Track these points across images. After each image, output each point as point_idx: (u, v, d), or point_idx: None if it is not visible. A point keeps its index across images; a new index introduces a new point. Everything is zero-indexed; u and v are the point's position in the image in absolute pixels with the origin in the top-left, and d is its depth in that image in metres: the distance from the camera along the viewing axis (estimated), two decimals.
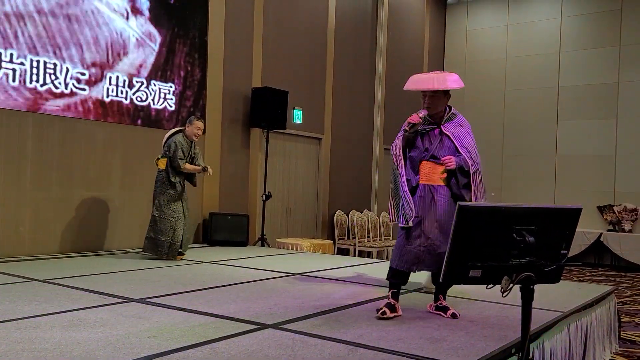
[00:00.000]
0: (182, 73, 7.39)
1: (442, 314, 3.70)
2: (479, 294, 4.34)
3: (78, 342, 2.82)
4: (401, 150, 3.76)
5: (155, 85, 7.07)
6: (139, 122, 6.87)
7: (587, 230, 10.39)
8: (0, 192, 5.70)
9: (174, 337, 2.95)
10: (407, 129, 3.70)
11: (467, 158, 3.70)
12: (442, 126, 3.76)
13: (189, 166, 5.97)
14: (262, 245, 7.82)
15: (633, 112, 10.71)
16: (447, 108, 3.79)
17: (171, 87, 7.26)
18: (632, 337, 5.11)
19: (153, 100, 7.05)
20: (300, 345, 2.90)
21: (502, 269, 2.13)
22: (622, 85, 10.84)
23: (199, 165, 6.06)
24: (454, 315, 3.64)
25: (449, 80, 3.68)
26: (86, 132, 6.39)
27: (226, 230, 7.45)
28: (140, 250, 6.07)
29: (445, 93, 3.71)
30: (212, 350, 2.76)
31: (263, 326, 3.26)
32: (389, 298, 3.71)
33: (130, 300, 3.85)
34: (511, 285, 2.12)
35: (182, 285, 4.48)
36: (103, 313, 3.45)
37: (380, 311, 3.60)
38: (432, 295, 3.90)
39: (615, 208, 10.59)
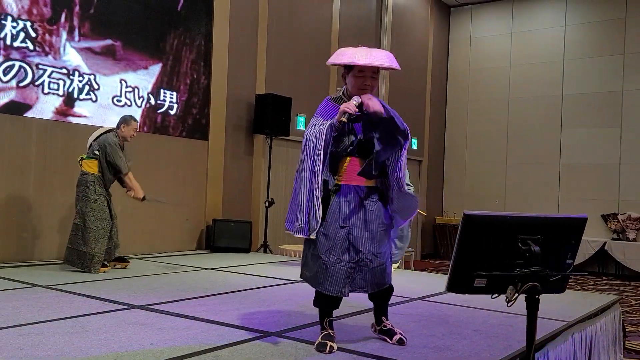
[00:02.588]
0: (188, 80, 7.41)
1: (387, 339, 3.11)
2: (484, 303, 4.32)
3: (80, 348, 2.81)
4: (324, 144, 2.87)
5: (161, 92, 7.09)
6: (145, 129, 6.89)
7: (591, 239, 10.35)
8: (4, 197, 5.71)
9: (176, 345, 2.94)
10: (344, 120, 2.88)
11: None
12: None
13: (132, 178, 5.41)
14: (265, 252, 7.81)
15: (637, 121, 10.69)
16: None
17: (177, 94, 7.28)
18: (637, 347, 5.08)
19: (159, 107, 7.07)
20: (304, 353, 2.89)
21: (507, 279, 2.13)
22: (626, 93, 10.83)
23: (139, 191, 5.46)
24: (400, 342, 3.06)
25: (393, 60, 3.00)
26: None
27: (229, 236, 7.45)
28: (140, 256, 6.07)
29: None
30: (215, 358, 2.75)
31: (266, 334, 3.25)
32: (325, 328, 3.04)
33: (133, 307, 3.85)
34: (516, 294, 2.11)
35: (184, 292, 4.48)
36: (106, 319, 3.44)
37: (321, 345, 2.92)
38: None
39: (619, 217, 10.55)
